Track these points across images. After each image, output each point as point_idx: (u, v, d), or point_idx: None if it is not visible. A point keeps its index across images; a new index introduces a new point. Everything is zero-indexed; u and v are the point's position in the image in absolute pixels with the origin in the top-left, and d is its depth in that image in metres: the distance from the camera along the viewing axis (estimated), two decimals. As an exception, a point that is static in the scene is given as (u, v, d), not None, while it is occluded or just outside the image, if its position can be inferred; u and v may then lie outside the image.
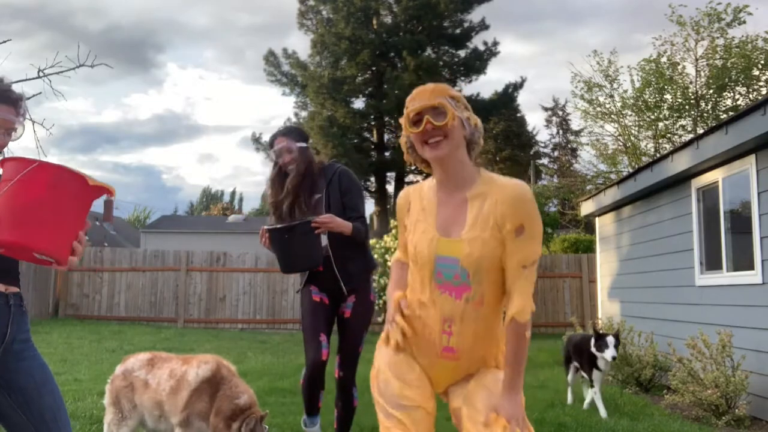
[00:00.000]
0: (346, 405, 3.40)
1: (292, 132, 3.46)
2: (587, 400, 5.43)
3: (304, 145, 3.43)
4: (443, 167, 1.84)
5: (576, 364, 5.56)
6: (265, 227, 3.23)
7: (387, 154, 26.11)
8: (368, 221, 3.55)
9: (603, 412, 5.04)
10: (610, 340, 5.05)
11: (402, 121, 1.88)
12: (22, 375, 2.03)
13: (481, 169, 1.87)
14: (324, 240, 3.30)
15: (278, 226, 3.23)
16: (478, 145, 1.88)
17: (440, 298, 1.85)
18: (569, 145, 34.61)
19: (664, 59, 16.54)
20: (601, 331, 5.30)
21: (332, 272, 3.33)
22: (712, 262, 6.14)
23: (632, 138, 18.02)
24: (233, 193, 65.55)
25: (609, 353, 5.02)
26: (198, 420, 2.94)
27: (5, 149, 2.04)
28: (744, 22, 15.58)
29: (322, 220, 3.18)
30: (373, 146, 26.35)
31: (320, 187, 3.40)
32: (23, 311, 2.04)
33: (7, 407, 2.00)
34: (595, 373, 5.24)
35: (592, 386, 5.29)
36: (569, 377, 5.76)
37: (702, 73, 16.39)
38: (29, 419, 2.01)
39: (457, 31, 25.58)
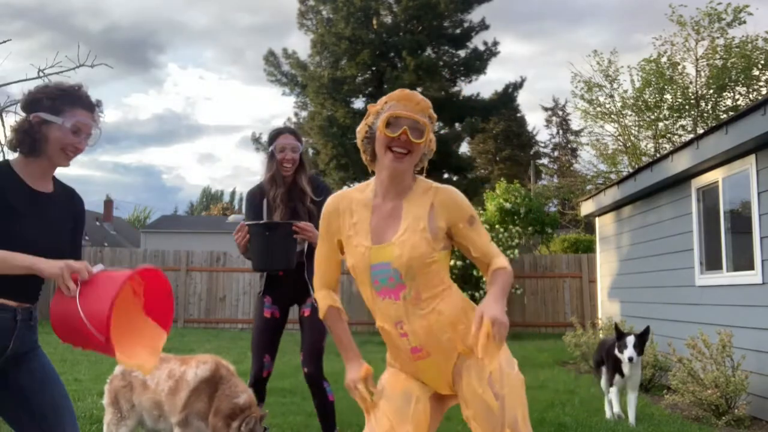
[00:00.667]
0: (321, 400, 3.43)
1: (297, 133, 3.54)
2: (631, 415, 4.84)
3: (303, 146, 3.52)
4: (394, 176, 1.91)
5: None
6: (246, 222, 3.23)
7: (387, 154, 26.09)
8: None
9: (608, 413, 5.01)
10: (630, 339, 4.73)
11: (372, 111, 1.93)
12: (22, 374, 2.04)
13: (420, 178, 1.98)
14: (300, 247, 3.32)
15: (260, 222, 3.25)
16: (424, 162, 1.99)
17: (383, 304, 1.92)
18: (569, 145, 34.60)
19: (664, 59, 16.55)
20: (624, 331, 5.00)
21: (301, 279, 3.36)
22: (712, 262, 6.14)
23: (632, 138, 18.03)
24: (233, 193, 65.56)
25: (626, 354, 4.69)
26: (197, 420, 2.94)
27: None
28: (744, 22, 15.60)
29: (303, 226, 3.20)
30: (373, 146, 26.32)
31: (308, 197, 3.42)
32: (30, 325, 2.05)
33: (10, 408, 2.02)
34: (617, 379, 4.87)
35: (610, 386, 4.96)
36: (603, 385, 5.24)
37: (702, 73, 16.40)
38: (29, 417, 2.02)
39: (457, 31, 25.59)
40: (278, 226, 3.20)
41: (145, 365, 1.95)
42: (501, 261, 1.89)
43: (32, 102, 2.01)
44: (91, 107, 2.08)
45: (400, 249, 1.86)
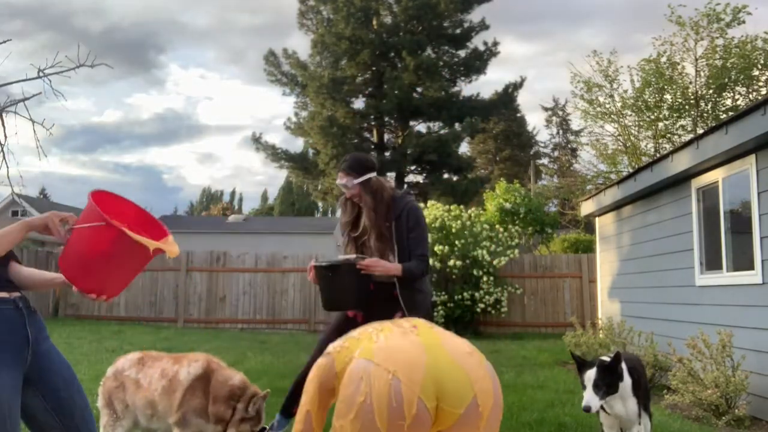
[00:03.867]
0: None
1: (353, 166, 3.35)
2: None
3: (365, 178, 3.33)
4: None
5: None
6: (313, 263, 3.25)
7: (387, 154, 26.10)
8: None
9: None
10: (589, 377, 3.18)
11: None
12: (53, 375, 2.04)
13: None
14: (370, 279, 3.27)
15: (323, 263, 3.22)
16: None
17: None
18: (569, 145, 34.60)
19: (663, 59, 16.53)
20: (590, 359, 3.46)
21: (392, 297, 3.29)
22: (712, 262, 6.14)
23: (632, 138, 18.02)
24: (233, 193, 65.54)
25: (584, 401, 3.16)
26: (195, 417, 2.95)
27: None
28: (743, 22, 15.58)
29: (368, 263, 3.16)
30: (373, 146, 26.34)
31: (390, 217, 3.35)
32: (32, 311, 2.06)
33: (40, 410, 2.00)
34: (603, 416, 3.48)
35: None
36: None
37: (702, 73, 16.39)
38: (61, 420, 2.01)
39: (457, 31, 25.59)
40: (339, 267, 3.16)
41: (172, 248, 2.01)
42: None
43: None
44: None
45: None
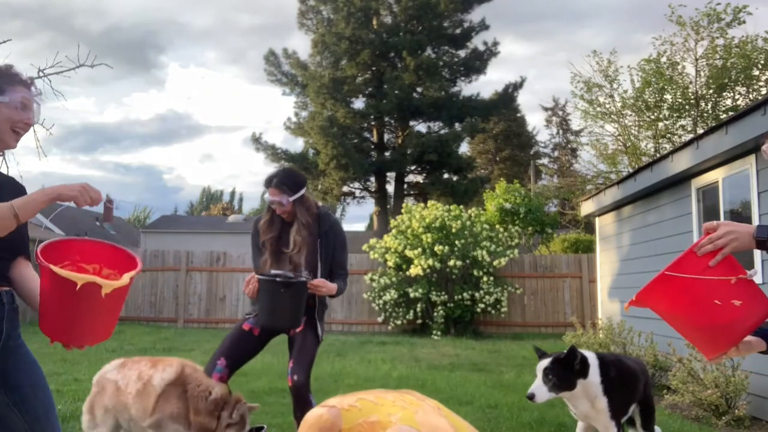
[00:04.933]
0: (303, 412, 3.23)
1: (287, 183, 3.30)
2: None
3: (299, 195, 3.30)
4: None
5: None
6: (258, 276, 3.10)
7: (387, 154, 26.13)
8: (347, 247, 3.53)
9: None
10: (540, 366, 3.15)
11: None
12: (19, 373, 2.03)
13: None
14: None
15: (276, 279, 3.08)
16: None
17: None
18: (569, 145, 34.59)
19: (664, 59, 16.54)
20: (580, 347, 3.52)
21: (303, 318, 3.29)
22: (712, 262, 6.13)
23: (632, 138, 18.03)
24: (233, 193, 65.57)
25: (530, 389, 3.13)
26: (172, 422, 2.91)
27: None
28: (743, 22, 15.58)
29: (317, 284, 3.17)
30: (373, 146, 26.36)
31: (317, 233, 3.35)
32: (15, 308, 2.05)
33: (3, 406, 2.00)
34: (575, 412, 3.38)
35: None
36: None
37: (702, 73, 16.39)
38: (24, 417, 2.01)
39: (457, 31, 25.61)
40: (295, 284, 3.07)
41: (102, 281, 1.85)
42: None
43: None
44: (27, 84, 2.06)
45: None
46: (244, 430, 2.99)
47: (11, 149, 2.05)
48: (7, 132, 1.99)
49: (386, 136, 26.83)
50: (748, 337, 1.82)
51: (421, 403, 2.05)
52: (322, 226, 3.38)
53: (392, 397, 2.10)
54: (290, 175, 3.37)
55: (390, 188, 26.58)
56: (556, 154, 37.06)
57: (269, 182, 3.32)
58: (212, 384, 3.00)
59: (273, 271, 3.15)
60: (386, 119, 25.81)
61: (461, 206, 12.77)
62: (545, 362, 3.11)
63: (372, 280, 12.06)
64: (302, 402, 3.23)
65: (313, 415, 2.09)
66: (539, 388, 3.08)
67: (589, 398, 3.20)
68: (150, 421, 2.91)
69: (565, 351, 3.14)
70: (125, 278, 1.86)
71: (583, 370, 3.14)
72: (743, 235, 1.59)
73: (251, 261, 3.34)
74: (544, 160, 36.48)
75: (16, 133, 2.01)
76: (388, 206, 26.11)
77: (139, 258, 2.05)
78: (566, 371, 3.11)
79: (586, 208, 9.66)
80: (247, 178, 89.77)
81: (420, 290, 11.37)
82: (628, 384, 3.38)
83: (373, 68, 25.29)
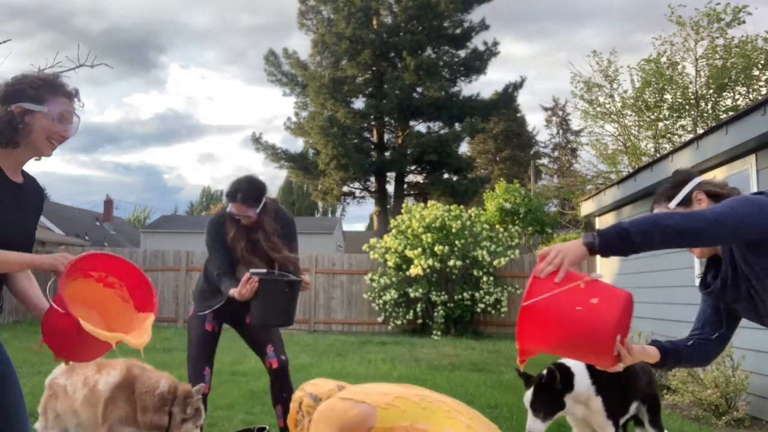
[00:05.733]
0: (289, 394, 3.32)
1: (252, 196, 3.30)
2: None
3: (263, 204, 3.34)
4: None
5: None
6: (255, 275, 3.11)
7: (387, 154, 26.12)
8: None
9: None
10: (527, 398, 3.15)
11: None
12: None
13: None
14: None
15: (280, 278, 3.21)
16: None
17: None
18: (569, 145, 34.59)
19: (663, 59, 16.54)
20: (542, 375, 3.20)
21: (246, 312, 3.36)
22: (712, 262, 6.14)
23: (632, 138, 18.03)
24: (233, 193, 65.18)
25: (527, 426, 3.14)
26: (122, 427, 2.86)
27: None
28: (743, 22, 15.57)
29: (308, 282, 3.32)
30: (373, 146, 26.36)
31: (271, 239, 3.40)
32: (0, 309, 2.06)
33: None
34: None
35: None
36: None
37: (702, 73, 16.39)
38: None
39: (457, 31, 25.61)
40: (294, 284, 3.18)
41: (133, 339, 1.97)
42: None
43: (14, 93, 1.98)
44: (71, 95, 2.07)
45: None
46: (200, 421, 2.95)
47: (46, 156, 2.06)
48: (42, 141, 1.99)
49: (386, 136, 26.83)
50: (646, 346, 1.94)
51: (473, 415, 1.91)
52: (278, 221, 3.43)
53: (435, 400, 1.94)
54: (253, 188, 3.34)
55: (390, 188, 26.59)
56: (556, 154, 37.06)
57: (233, 197, 3.30)
58: (158, 380, 2.93)
59: (259, 270, 3.19)
60: (386, 119, 25.81)
61: (461, 206, 12.77)
62: (528, 395, 3.08)
63: (372, 280, 12.05)
64: (287, 382, 3.36)
65: (337, 408, 1.90)
66: (534, 423, 3.05)
67: (582, 402, 3.18)
68: (103, 430, 2.84)
69: (546, 372, 3.09)
70: (142, 339, 1.98)
71: (568, 385, 3.11)
72: (573, 247, 1.70)
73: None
74: (544, 160, 36.50)
75: (51, 143, 2.01)
76: (388, 206, 26.11)
77: (155, 295, 2.11)
78: (551, 396, 3.06)
79: (586, 208, 9.66)
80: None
81: (420, 290, 11.38)
82: (626, 382, 3.35)
83: (373, 68, 25.28)
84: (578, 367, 3.19)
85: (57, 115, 1.99)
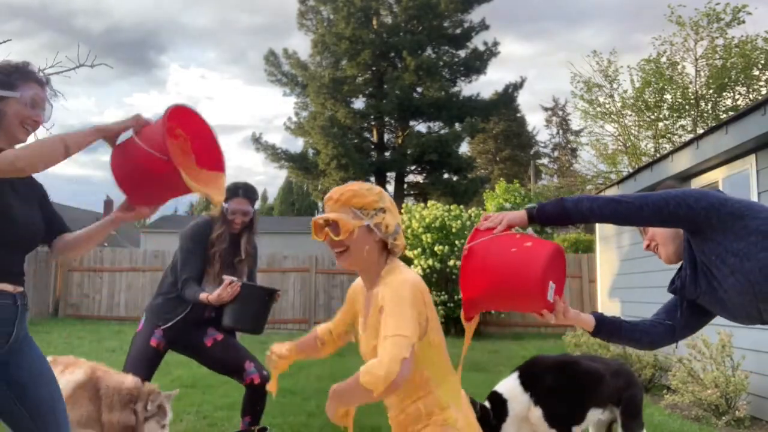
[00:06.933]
0: (263, 408, 3.42)
1: (251, 194, 3.39)
2: None
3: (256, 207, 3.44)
4: (356, 270, 1.91)
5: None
6: (238, 282, 3.15)
7: (387, 154, 26.12)
8: None
9: None
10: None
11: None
12: (22, 369, 2.04)
13: (390, 266, 1.85)
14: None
15: (260, 285, 3.29)
16: (396, 246, 1.88)
17: None
18: (569, 145, 34.61)
19: (663, 59, 16.56)
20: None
21: (202, 323, 3.36)
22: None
23: (632, 138, 18.04)
24: (233, 193, 65.17)
25: None
26: (81, 428, 2.79)
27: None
28: (743, 22, 15.59)
29: (279, 295, 3.34)
30: (373, 146, 26.36)
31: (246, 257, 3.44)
32: (26, 309, 2.07)
33: (6, 400, 2.01)
34: None
35: None
36: None
37: (702, 73, 16.41)
38: (27, 411, 2.02)
39: (457, 31, 25.60)
40: (273, 294, 3.26)
41: (215, 196, 1.96)
42: (366, 364, 1.63)
43: None
44: (42, 82, 2.10)
45: (364, 343, 1.86)
46: (165, 419, 2.91)
47: (22, 142, 2.06)
48: (16, 127, 2.01)
49: (386, 136, 26.82)
50: (582, 313, 2.03)
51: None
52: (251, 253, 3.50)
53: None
54: (252, 189, 3.43)
55: (390, 188, 26.56)
56: (556, 154, 37.07)
57: (235, 192, 3.33)
58: (123, 379, 2.91)
59: (231, 278, 3.18)
60: (386, 119, 25.80)
61: (461, 206, 12.77)
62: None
63: (372, 280, 12.04)
64: (265, 395, 3.37)
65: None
66: None
67: (526, 418, 3.17)
68: None
69: (479, 408, 3.09)
70: (219, 196, 1.98)
71: (503, 413, 3.16)
72: (514, 213, 1.89)
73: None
74: (544, 160, 36.49)
75: (26, 129, 2.03)
76: (388, 206, 26.10)
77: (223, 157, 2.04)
78: (487, 427, 3.08)
79: (586, 208, 9.66)
80: (248, 178, 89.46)
81: (420, 290, 11.38)
82: (579, 387, 3.28)
83: (374, 68, 25.28)
84: (510, 387, 3.20)
85: (29, 100, 2.01)
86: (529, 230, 1.94)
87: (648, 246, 2.10)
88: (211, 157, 2.03)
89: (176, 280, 3.32)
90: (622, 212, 1.83)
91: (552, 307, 1.85)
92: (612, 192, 8.37)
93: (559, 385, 3.22)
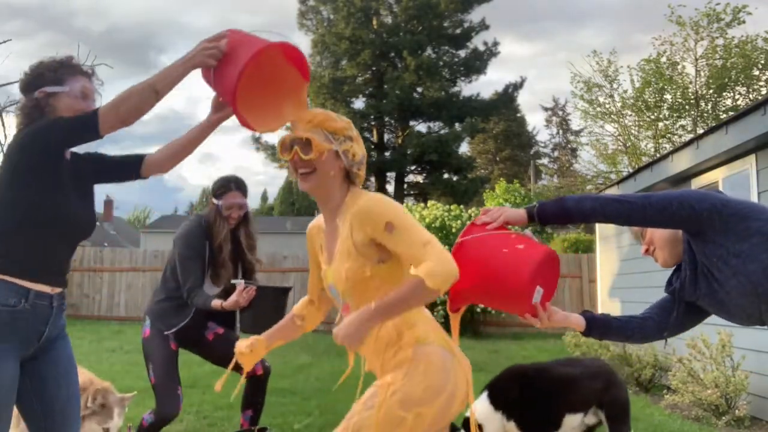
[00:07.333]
0: (263, 400, 3.46)
1: (242, 186, 3.35)
2: None
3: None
4: (315, 198, 1.89)
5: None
6: (253, 285, 3.11)
7: (387, 154, 26.12)
8: None
9: None
10: None
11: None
12: (47, 365, 2.04)
13: (354, 191, 1.85)
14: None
15: (277, 286, 3.33)
16: (358, 176, 1.89)
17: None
18: (569, 145, 34.62)
19: (663, 59, 16.56)
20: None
21: (202, 317, 3.32)
22: (712, 262, 6.13)
23: (632, 138, 18.05)
24: (233, 193, 65.17)
25: None
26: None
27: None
28: (743, 22, 15.60)
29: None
30: (373, 146, 26.34)
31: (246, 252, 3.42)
32: (62, 309, 2.06)
33: (28, 394, 2.01)
34: None
35: None
36: None
37: (702, 73, 16.42)
38: (41, 407, 2.02)
39: (457, 31, 25.59)
40: (287, 292, 3.26)
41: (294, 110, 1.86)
42: (421, 269, 1.64)
43: (34, 80, 2.03)
44: (88, 74, 2.12)
45: (334, 271, 1.83)
46: (108, 422, 2.83)
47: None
48: None
49: (386, 136, 26.82)
50: (570, 314, 2.01)
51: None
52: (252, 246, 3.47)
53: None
54: (243, 181, 3.38)
55: (390, 188, 26.56)
56: (556, 154, 37.08)
57: (227, 187, 3.27)
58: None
59: (243, 282, 3.15)
60: (386, 119, 25.80)
61: (461, 206, 12.77)
62: None
63: (372, 280, 12.04)
64: (265, 387, 3.44)
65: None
66: None
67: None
68: None
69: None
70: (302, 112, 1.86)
71: None
72: (513, 211, 1.87)
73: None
74: (544, 160, 36.50)
75: None
76: (388, 206, 26.11)
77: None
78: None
79: (586, 208, 9.66)
80: (248, 178, 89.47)
81: (420, 290, 11.37)
82: (548, 394, 3.25)
83: (373, 68, 25.28)
84: (482, 409, 3.17)
85: (78, 92, 2.03)
86: (527, 231, 1.92)
87: (647, 251, 2.08)
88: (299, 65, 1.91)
89: (179, 285, 3.24)
90: (625, 212, 1.82)
91: (534, 312, 1.84)
92: (612, 192, 8.36)
93: (528, 395, 3.21)
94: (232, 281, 3.18)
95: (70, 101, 2.00)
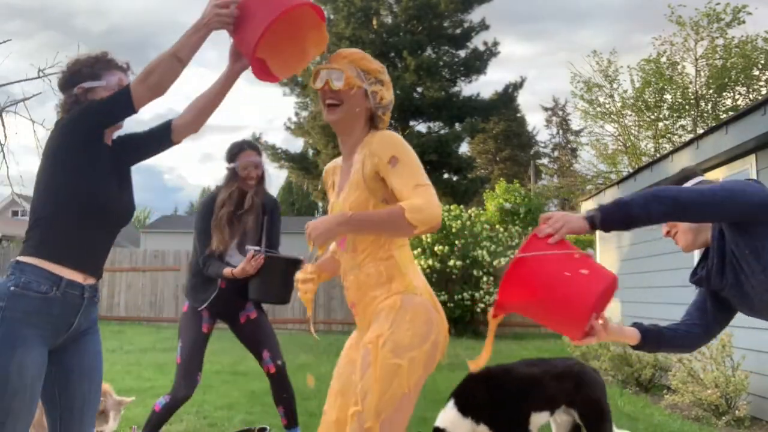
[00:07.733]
0: (291, 393, 3.45)
1: (256, 147, 3.35)
2: None
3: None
4: (337, 131, 1.93)
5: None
6: (262, 253, 3.11)
7: (387, 153, 26.09)
8: None
9: None
10: None
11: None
12: (74, 357, 2.03)
13: (374, 132, 1.89)
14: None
15: (285, 256, 3.25)
16: (382, 120, 1.94)
17: (340, 255, 1.96)
18: (569, 145, 34.62)
19: (663, 59, 16.56)
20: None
21: (242, 293, 3.30)
22: (712, 262, 6.13)
23: (632, 138, 18.05)
24: (233, 193, 65.15)
25: None
26: None
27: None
28: (743, 22, 15.60)
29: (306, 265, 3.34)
30: (373, 146, 26.34)
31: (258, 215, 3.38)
32: (94, 302, 2.05)
33: (51, 385, 2.00)
34: None
35: None
36: None
37: (702, 73, 16.42)
38: (60, 400, 2.01)
39: (457, 31, 25.59)
40: (296, 263, 3.17)
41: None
42: (407, 202, 1.69)
43: (71, 77, 2.08)
44: (124, 69, 2.18)
45: (342, 202, 1.88)
46: (104, 425, 2.82)
47: (119, 130, 2.13)
48: None
49: (386, 136, 26.82)
50: (624, 327, 1.97)
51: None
52: (268, 204, 3.41)
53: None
54: (257, 144, 3.43)
55: (390, 188, 26.58)
56: (556, 154, 37.06)
57: (241, 148, 3.27)
58: None
59: (254, 248, 3.16)
60: (386, 119, 25.81)
61: (461, 206, 12.77)
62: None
63: (372, 280, 12.04)
64: (287, 384, 3.41)
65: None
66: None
67: None
68: None
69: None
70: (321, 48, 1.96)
71: None
72: (575, 218, 1.75)
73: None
74: (544, 160, 36.49)
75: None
76: (388, 206, 26.12)
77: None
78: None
79: (586, 208, 9.66)
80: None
81: (420, 290, 11.37)
82: (511, 395, 3.25)
83: (373, 68, 25.27)
84: (450, 418, 3.18)
85: (115, 85, 2.07)
86: (588, 250, 1.83)
87: (668, 232, 2.06)
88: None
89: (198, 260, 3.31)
90: (708, 211, 1.73)
91: (584, 336, 1.81)
92: (612, 192, 8.37)
93: (493, 397, 3.21)
94: (247, 247, 3.18)
95: (107, 95, 2.03)
